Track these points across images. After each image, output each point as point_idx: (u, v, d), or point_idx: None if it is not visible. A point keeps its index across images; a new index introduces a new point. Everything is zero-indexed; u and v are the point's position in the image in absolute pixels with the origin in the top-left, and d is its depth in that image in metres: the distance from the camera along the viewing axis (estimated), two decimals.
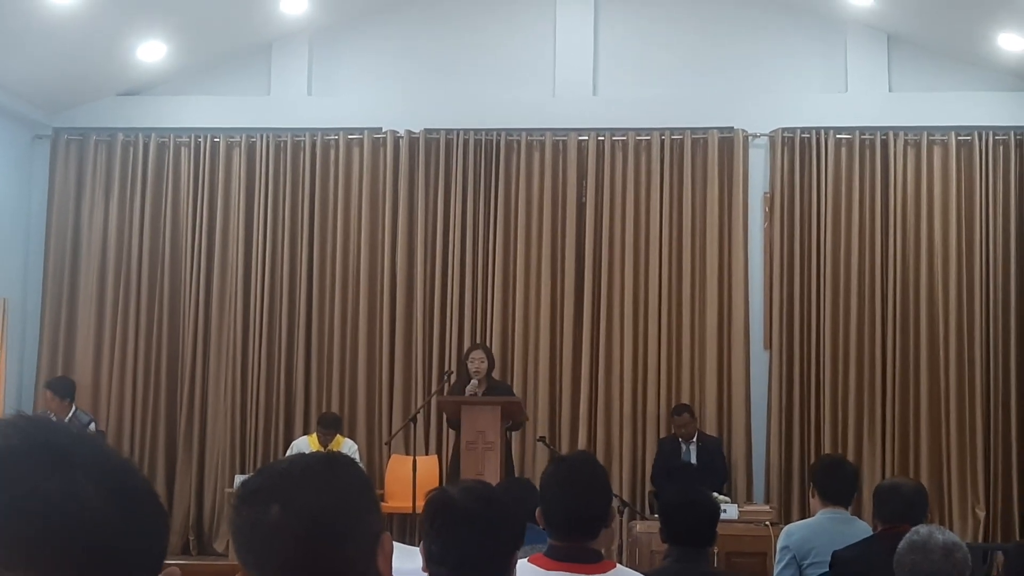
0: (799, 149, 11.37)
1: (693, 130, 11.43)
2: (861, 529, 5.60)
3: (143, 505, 1.13)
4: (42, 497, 1.05)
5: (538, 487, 3.79)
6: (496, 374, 9.91)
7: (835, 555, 5.06)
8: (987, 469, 10.90)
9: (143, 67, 11.61)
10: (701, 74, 11.55)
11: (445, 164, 11.62)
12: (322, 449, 10.12)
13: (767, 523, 8.69)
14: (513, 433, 9.75)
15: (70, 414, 10.68)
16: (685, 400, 10.99)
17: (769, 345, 11.20)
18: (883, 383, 11.05)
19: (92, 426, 10.66)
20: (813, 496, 5.82)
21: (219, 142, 11.92)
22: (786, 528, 6.04)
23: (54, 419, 1.19)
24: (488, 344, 10.57)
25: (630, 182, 11.43)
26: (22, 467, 1.06)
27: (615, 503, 7.83)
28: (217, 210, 11.84)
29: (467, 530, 2.86)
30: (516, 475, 9.17)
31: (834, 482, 5.76)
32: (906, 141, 11.27)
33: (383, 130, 11.72)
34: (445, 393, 9.93)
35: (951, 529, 4.92)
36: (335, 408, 11.30)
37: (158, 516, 1.16)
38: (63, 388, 10.79)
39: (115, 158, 12.00)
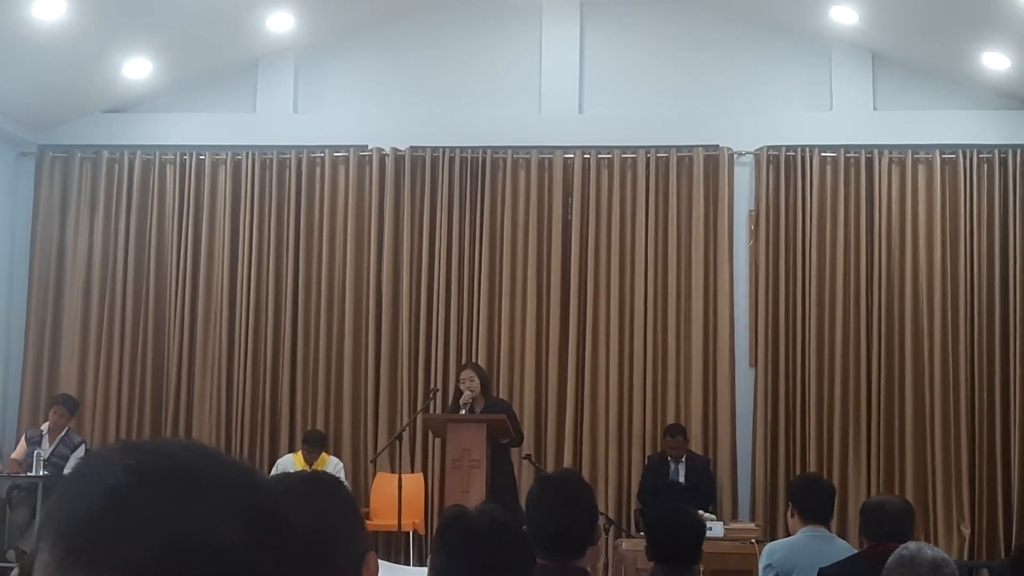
0: (784, 167, 11.39)
1: (679, 148, 11.45)
2: (841, 547, 5.62)
3: (280, 534, 1.01)
4: (169, 533, 0.94)
5: (524, 505, 3.78)
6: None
7: (821, 572, 5.06)
8: (972, 487, 10.91)
9: (129, 84, 11.59)
10: (686, 92, 11.58)
11: (431, 182, 11.62)
12: (307, 467, 10.11)
13: (753, 541, 8.68)
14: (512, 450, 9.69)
15: (63, 432, 10.63)
16: (671, 418, 10.98)
17: (755, 363, 11.21)
18: (868, 401, 11.06)
19: (82, 448, 10.55)
20: (792, 515, 5.83)
21: (204, 159, 11.90)
22: (768, 547, 6.04)
23: (175, 442, 1.06)
24: (477, 363, 10.53)
25: (616, 200, 11.45)
26: (142, 503, 0.95)
27: (601, 521, 7.81)
28: (202, 227, 11.81)
29: (474, 547, 2.83)
30: (516, 492, 9.09)
31: (812, 500, 5.78)
32: (891, 159, 11.31)
33: (369, 147, 11.72)
34: (432, 411, 9.89)
35: (937, 547, 4.93)
36: (320, 426, 11.27)
37: (293, 542, 1.04)
38: (73, 406, 10.83)
39: (100, 175, 11.98)
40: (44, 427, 10.74)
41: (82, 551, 0.94)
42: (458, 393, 9.42)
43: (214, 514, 0.97)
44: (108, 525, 0.95)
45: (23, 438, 10.79)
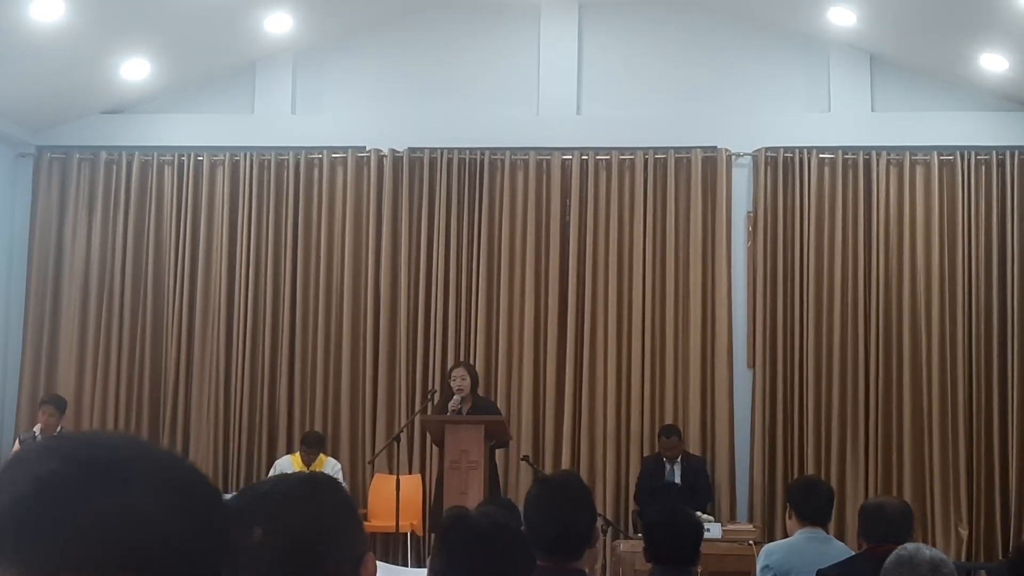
0: (782, 168, 11.39)
1: (677, 149, 11.45)
2: (839, 549, 5.63)
3: (206, 507, 1.03)
4: (99, 518, 0.96)
5: (522, 507, 3.78)
6: (480, 391, 9.85)
7: (819, 574, 5.06)
8: (970, 488, 10.91)
9: (127, 85, 11.58)
10: (684, 93, 11.58)
11: (429, 183, 11.61)
12: (305, 468, 10.10)
13: (750, 542, 8.69)
14: (497, 451, 9.70)
15: (55, 432, 10.62)
16: (669, 419, 10.98)
17: (752, 364, 11.21)
18: (866, 401, 11.06)
19: None
20: (790, 517, 5.85)
21: (203, 160, 11.90)
22: (766, 548, 6.05)
23: (96, 433, 1.08)
24: (472, 362, 10.52)
25: (614, 201, 11.44)
26: (70, 489, 0.97)
27: (599, 522, 7.81)
28: (200, 229, 11.80)
29: (474, 549, 2.82)
30: (501, 494, 9.12)
31: (810, 502, 5.80)
32: (889, 161, 11.31)
33: (367, 149, 11.72)
34: (429, 411, 9.90)
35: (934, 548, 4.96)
36: (318, 427, 11.26)
37: (221, 516, 1.06)
38: (62, 404, 10.82)
39: (98, 176, 11.97)
40: (36, 429, 10.74)
41: (6, 535, 0.95)
42: (450, 391, 9.42)
43: (141, 496, 0.98)
44: (33, 510, 0.96)
45: (16, 441, 10.78)
